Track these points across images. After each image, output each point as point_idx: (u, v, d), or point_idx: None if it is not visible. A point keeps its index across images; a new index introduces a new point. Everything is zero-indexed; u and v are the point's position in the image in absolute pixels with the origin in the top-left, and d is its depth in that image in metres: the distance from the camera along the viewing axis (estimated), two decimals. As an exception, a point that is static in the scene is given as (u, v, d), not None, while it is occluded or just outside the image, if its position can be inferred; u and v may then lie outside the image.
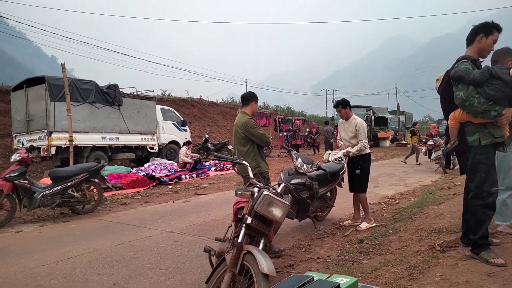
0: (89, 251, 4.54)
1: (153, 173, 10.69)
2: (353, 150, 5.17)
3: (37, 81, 11.01)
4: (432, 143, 11.93)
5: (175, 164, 12.82)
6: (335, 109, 5.63)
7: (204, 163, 13.73)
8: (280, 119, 21.77)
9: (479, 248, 2.86)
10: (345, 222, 5.46)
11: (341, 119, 5.54)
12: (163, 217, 6.36)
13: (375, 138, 25.19)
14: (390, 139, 27.19)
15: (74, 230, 5.72)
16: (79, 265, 4.04)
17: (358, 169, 5.22)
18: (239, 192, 2.86)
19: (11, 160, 6.50)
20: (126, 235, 5.26)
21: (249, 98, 4.50)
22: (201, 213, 6.60)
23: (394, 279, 2.82)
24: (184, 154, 12.83)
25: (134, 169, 11.61)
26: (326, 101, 52.16)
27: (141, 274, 3.76)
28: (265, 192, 2.63)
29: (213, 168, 13.21)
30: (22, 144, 10.86)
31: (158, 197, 8.48)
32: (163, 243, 4.81)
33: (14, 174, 6.10)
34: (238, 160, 3.24)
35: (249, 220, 2.61)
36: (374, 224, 5.19)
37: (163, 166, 11.97)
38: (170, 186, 9.85)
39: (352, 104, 5.55)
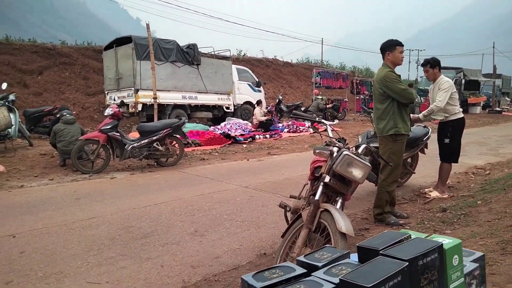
0: (172, 199, 4.92)
1: (229, 132, 11.03)
2: (424, 113, 4.74)
3: (125, 40, 11.75)
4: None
5: (249, 124, 13.07)
6: (422, 69, 5.03)
7: (277, 124, 13.80)
8: (357, 81, 20.75)
9: None
10: (426, 190, 5.14)
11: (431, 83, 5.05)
12: (238, 173, 6.60)
13: (464, 103, 22.88)
14: (481, 105, 24.51)
15: (159, 180, 6.23)
16: (164, 211, 4.41)
17: (448, 137, 4.77)
18: (317, 151, 2.82)
19: (105, 114, 7.16)
20: (205, 187, 5.59)
21: (382, 49, 3.89)
22: (274, 172, 6.72)
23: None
24: (260, 113, 13.01)
25: (211, 127, 12.09)
26: (409, 62, 48.28)
27: (219, 224, 3.99)
28: (345, 152, 2.55)
29: (286, 130, 13.22)
30: (114, 100, 11.85)
31: (233, 155, 8.79)
32: (239, 197, 5.02)
33: (108, 127, 6.73)
34: (317, 119, 3.17)
35: (327, 179, 2.57)
36: (446, 196, 4.82)
37: (238, 126, 12.27)
38: (244, 145, 10.13)
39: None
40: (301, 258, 0.84)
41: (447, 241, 0.82)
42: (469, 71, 24.46)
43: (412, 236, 0.86)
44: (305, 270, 0.77)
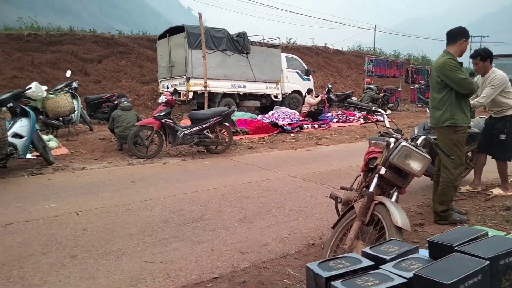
0: (222, 185, 5.02)
1: (277, 121, 11.02)
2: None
3: (178, 30, 12.05)
4: None
5: (297, 113, 12.95)
6: (471, 60, 4.57)
7: (326, 114, 13.56)
8: (413, 69, 19.73)
9: None
10: (462, 189, 4.68)
11: (477, 75, 4.67)
12: (286, 163, 6.59)
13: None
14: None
15: (209, 166, 6.38)
16: (214, 196, 4.52)
17: (504, 133, 4.40)
18: (373, 142, 2.72)
19: (159, 101, 7.43)
20: (253, 175, 5.64)
21: (455, 34, 3.62)
22: (322, 162, 6.62)
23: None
24: (311, 98, 12.91)
25: (259, 116, 12.14)
26: (470, 49, 44.87)
27: (267, 211, 4.01)
28: (403, 143, 2.43)
29: (335, 120, 12.96)
30: (167, 88, 12.26)
31: (281, 144, 8.78)
32: (287, 186, 5.01)
33: (162, 114, 6.98)
34: (373, 108, 3.05)
35: (382, 171, 2.48)
36: (510, 193, 4.45)
37: (286, 115, 12.20)
38: (292, 135, 10.08)
39: (503, 53, 4.53)
40: (367, 250, 0.81)
41: (532, 242, 0.75)
42: (539, 59, 22.28)
43: (489, 234, 0.79)
44: (372, 263, 0.75)
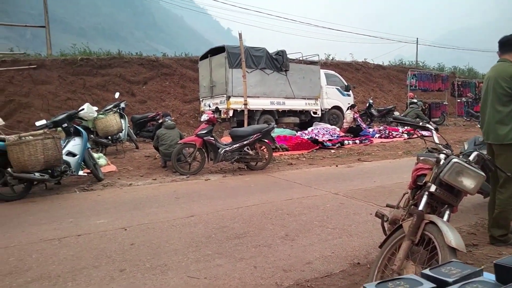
0: (262, 202, 5.02)
1: (317, 137, 10.92)
2: None
3: (219, 50, 12.41)
4: None
5: (338, 129, 12.77)
6: None
7: (368, 129, 13.25)
8: (459, 83, 18.92)
9: None
10: None
11: None
12: (327, 179, 6.48)
13: None
14: None
15: (249, 183, 6.42)
16: (255, 213, 4.52)
17: None
18: (421, 158, 2.62)
19: (201, 119, 7.64)
20: (294, 192, 5.59)
21: None
22: (365, 179, 6.45)
23: None
24: (349, 117, 12.71)
25: (299, 132, 12.10)
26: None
27: (309, 230, 3.94)
28: (454, 160, 2.32)
29: (377, 135, 12.63)
30: (208, 107, 12.59)
31: (321, 160, 8.67)
32: (329, 203, 4.92)
33: (204, 132, 7.16)
34: (421, 123, 2.95)
35: (432, 188, 2.37)
36: None
37: (326, 131, 12.07)
38: (333, 151, 9.93)
39: None
40: (427, 271, 0.77)
41: None
42: None
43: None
44: (434, 285, 0.71)
